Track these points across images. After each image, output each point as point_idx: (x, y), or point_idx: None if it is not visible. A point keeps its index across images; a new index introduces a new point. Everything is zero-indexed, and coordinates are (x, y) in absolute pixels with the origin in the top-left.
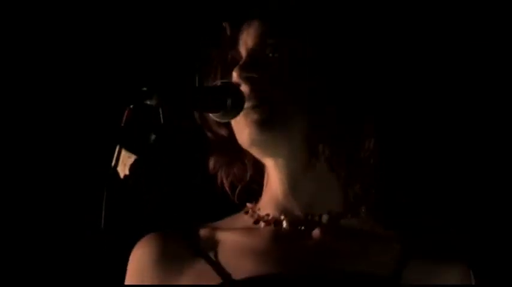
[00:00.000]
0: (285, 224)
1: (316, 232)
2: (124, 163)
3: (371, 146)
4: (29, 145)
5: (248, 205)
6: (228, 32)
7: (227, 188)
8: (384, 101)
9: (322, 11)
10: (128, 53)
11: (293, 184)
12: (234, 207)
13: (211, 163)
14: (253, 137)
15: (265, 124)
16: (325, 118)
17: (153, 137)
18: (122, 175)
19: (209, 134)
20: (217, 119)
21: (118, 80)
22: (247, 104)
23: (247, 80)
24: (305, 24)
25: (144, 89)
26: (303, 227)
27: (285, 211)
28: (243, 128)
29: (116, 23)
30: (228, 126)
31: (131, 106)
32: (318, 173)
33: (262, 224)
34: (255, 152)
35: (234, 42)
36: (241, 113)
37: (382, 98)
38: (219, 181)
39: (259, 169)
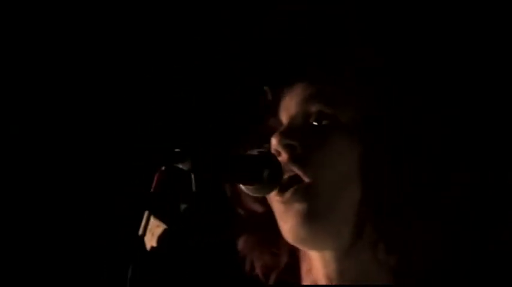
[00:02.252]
0: None
1: None
2: (152, 232)
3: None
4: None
5: None
6: (270, 97)
7: (259, 274)
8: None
9: (371, 71)
10: (164, 111)
11: (337, 271)
12: None
13: (242, 243)
14: (296, 231)
15: (308, 217)
16: (380, 195)
17: (183, 206)
18: (148, 246)
19: (240, 211)
20: (250, 193)
21: (151, 140)
22: (285, 175)
23: (287, 147)
24: (355, 89)
25: (177, 150)
26: None
27: None
28: (283, 218)
29: (155, 78)
30: (264, 202)
31: (162, 168)
32: (362, 258)
33: None
34: (299, 245)
35: (275, 108)
36: (281, 199)
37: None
38: (247, 264)
39: (294, 255)
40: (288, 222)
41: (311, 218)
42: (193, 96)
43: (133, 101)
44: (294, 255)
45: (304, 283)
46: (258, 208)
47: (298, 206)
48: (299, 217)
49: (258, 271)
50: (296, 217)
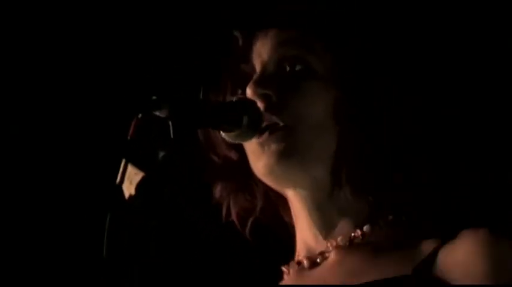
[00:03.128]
0: (305, 263)
1: (332, 258)
2: (130, 180)
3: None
4: (30, 156)
5: (284, 269)
6: (241, 43)
7: (235, 219)
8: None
9: (349, 17)
10: (139, 59)
11: (321, 215)
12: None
13: (217, 191)
14: (271, 168)
15: (284, 155)
16: (353, 139)
17: (161, 154)
18: (127, 195)
19: (215, 158)
20: (230, 140)
21: (126, 87)
22: (263, 124)
23: (263, 97)
24: (330, 33)
25: (154, 97)
26: (318, 260)
27: (315, 250)
28: (258, 157)
29: (128, 29)
30: (238, 149)
31: (139, 116)
32: (343, 201)
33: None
34: (272, 182)
35: (247, 53)
36: (257, 141)
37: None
38: (224, 211)
39: (269, 201)
40: (263, 160)
41: (286, 156)
42: (169, 44)
43: (111, 51)
44: (269, 199)
45: (298, 236)
46: (233, 154)
47: (275, 146)
48: (275, 154)
49: (234, 216)
50: (272, 154)
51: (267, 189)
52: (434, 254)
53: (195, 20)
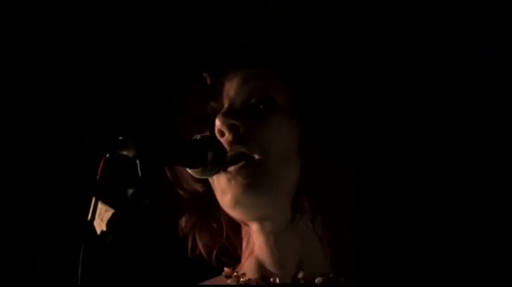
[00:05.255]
0: (231, 280)
1: None
2: (101, 217)
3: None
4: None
5: (226, 269)
6: (208, 82)
7: (202, 250)
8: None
9: (307, 56)
10: (105, 99)
11: (278, 244)
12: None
13: (183, 222)
14: (237, 200)
15: (251, 187)
16: (316, 169)
17: (130, 191)
18: (98, 230)
19: (181, 192)
20: (196, 176)
21: (93, 128)
22: (229, 154)
23: (231, 127)
24: (290, 71)
25: (120, 138)
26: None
27: (270, 274)
28: (225, 190)
29: (94, 67)
30: (204, 182)
31: (107, 156)
32: (302, 232)
33: None
34: (238, 215)
35: (215, 92)
36: (225, 175)
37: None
38: (190, 243)
39: (234, 228)
40: (229, 193)
41: (253, 187)
42: (135, 85)
43: (77, 94)
44: (234, 232)
45: (245, 259)
46: (198, 187)
47: (243, 180)
48: (242, 187)
49: (201, 245)
50: (239, 187)
51: (231, 219)
52: None
53: (161, 57)
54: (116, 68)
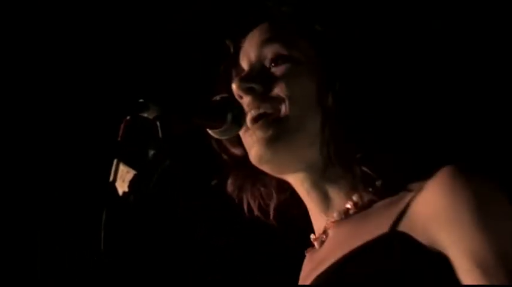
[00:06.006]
0: (316, 244)
1: (330, 235)
2: (123, 178)
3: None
4: (23, 161)
5: (312, 236)
6: (232, 50)
7: (257, 212)
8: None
9: (321, 16)
10: (127, 63)
11: (319, 194)
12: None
13: (230, 186)
14: (260, 155)
15: (270, 141)
16: (337, 117)
17: (151, 152)
18: (120, 192)
19: (225, 156)
20: (217, 136)
21: (114, 91)
22: (249, 117)
23: (247, 90)
24: (304, 31)
25: (141, 100)
26: (323, 238)
27: (319, 225)
28: (250, 148)
29: (117, 31)
30: (243, 146)
31: (128, 118)
32: (335, 176)
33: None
34: (267, 170)
35: (237, 57)
36: (247, 131)
37: (385, 93)
38: (245, 205)
39: (283, 188)
40: (252, 149)
41: (272, 142)
42: (159, 49)
43: (98, 55)
44: (282, 187)
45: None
46: (238, 151)
47: (261, 134)
48: (262, 142)
49: (255, 208)
50: (259, 142)
51: (275, 178)
52: (408, 204)
53: (184, 24)
54: (136, 31)
